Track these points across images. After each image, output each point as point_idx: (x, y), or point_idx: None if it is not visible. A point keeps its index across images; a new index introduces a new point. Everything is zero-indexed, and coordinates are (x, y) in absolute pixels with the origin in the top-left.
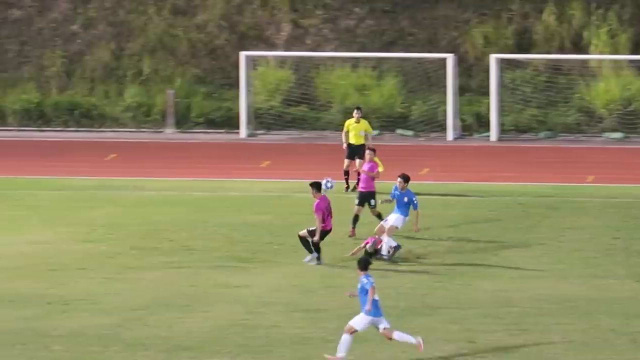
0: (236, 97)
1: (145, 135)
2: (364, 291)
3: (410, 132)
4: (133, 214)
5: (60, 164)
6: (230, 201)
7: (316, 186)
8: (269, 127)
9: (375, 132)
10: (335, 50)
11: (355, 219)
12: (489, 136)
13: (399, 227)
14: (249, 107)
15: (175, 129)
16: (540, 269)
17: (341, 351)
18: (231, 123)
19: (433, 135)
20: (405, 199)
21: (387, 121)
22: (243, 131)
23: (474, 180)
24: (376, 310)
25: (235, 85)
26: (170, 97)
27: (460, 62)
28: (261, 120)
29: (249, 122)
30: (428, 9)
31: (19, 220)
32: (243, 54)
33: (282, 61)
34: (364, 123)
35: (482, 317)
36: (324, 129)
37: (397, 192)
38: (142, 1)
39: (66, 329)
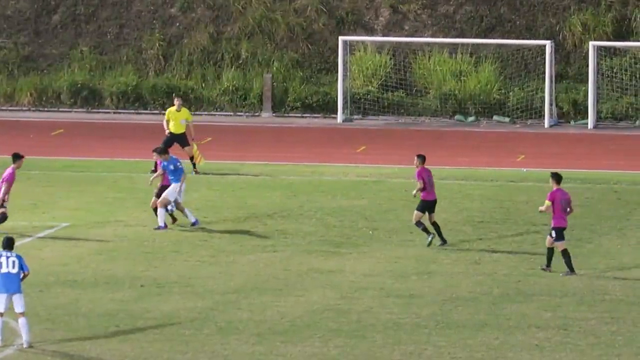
0: (333, 82)
1: (241, 119)
2: None
3: (506, 119)
4: (228, 197)
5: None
6: (325, 186)
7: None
8: (365, 112)
9: (472, 118)
10: (433, 36)
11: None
12: (585, 124)
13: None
14: (345, 92)
15: (271, 113)
16: (635, 257)
17: None
18: (328, 108)
19: (529, 122)
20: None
21: (484, 107)
22: (340, 116)
23: (569, 167)
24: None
25: (333, 70)
26: (267, 81)
27: (558, 49)
28: (358, 105)
29: (345, 107)
30: None
31: (114, 202)
32: (341, 39)
33: (379, 46)
34: (185, 112)
35: (575, 304)
36: (420, 115)
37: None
38: None
39: (160, 312)
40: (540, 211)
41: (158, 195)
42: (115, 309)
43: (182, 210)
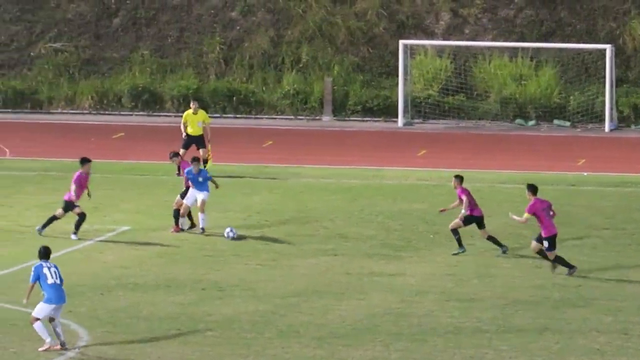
0: (394, 86)
1: (302, 123)
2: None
3: (567, 123)
4: (289, 200)
5: (216, 150)
6: (386, 189)
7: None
8: (426, 116)
9: (532, 122)
10: (494, 39)
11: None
12: None
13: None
14: (406, 95)
15: (332, 117)
16: None
17: (45, 337)
18: (388, 111)
19: (590, 126)
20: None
21: (544, 111)
22: (400, 120)
23: (629, 171)
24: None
25: (393, 73)
26: (328, 85)
27: (619, 53)
28: (418, 109)
29: (406, 111)
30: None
31: None
32: (402, 43)
33: (440, 50)
34: (202, 114)
35: (636, 309)
36: (480, 119)
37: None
38: None
39: (221, 315)
40: (519, 221)
41: (182, 197)
42: (176, 312)
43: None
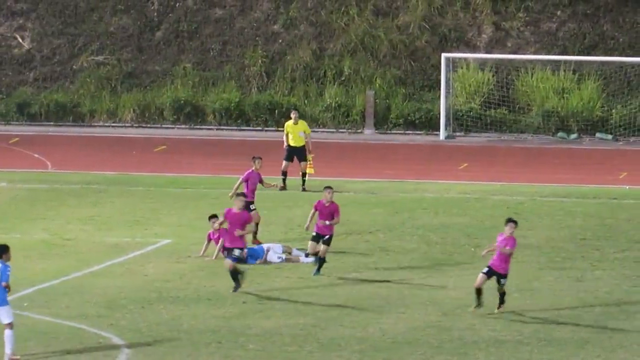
0: (436, 99)
1: (344, 136)
2: None
3: (609, 136)
4: None
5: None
6: (427, 203)
7: None
8: (467, 129)
9: (574, 135)
10: (536, 53)
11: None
12: None
13: None
14: (448, 109)
15: (374, 130)
16: None
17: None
18: (430, 124)
19: (632, 139)
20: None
21: (586, 125)
22: (442, 133)
23: None
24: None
25: (435, 86)
26: (370, 98)
27: None
28: (460, 122)
29: (447, 124)
30: (630, 12)
31: None
32: (444, 56)
33: (482, 63)
34: (303, 124)
35: None
36: (522, 132)
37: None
38: (344, 2)
39: (261, 328)
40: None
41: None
42: (218, 325)
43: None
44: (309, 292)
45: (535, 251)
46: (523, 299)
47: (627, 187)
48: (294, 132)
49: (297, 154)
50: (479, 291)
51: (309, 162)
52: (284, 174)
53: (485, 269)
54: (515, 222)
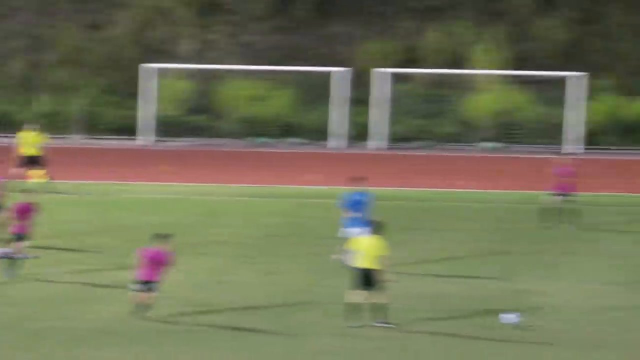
0: (141, 106)
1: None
2: None
3: (300, 140)
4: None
5: None
6: (130, 203)
7: None
8: (170, 134)
9: (268, 139)
10: (235, 63)
11: None
12: (373, 144)
13: None
14: (153, 115)
15: (83, 135)
16: (409, 268)
17: None
18: (135, 131)
19: (321, 143)
20: None
21: (279, 130)
22: (145, 138)
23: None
24: None
25: (140, 95)
26: (78, 106)
27: (351, 75)
28: (164, 127)
29: (151, 130)
30: (323, 25)
31: None
32: (146, 66)
33: (186, 73)
34: (35, 134)
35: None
36: (222, 137)
37: None
38: (56, 15)
39: None
40: None
41: None
42: None
43: None
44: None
45: (229, 247)
46: (216, 291)
47: (316, 187)
48: (30, 141)
49: (33, 162)
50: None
51: (40, 171)
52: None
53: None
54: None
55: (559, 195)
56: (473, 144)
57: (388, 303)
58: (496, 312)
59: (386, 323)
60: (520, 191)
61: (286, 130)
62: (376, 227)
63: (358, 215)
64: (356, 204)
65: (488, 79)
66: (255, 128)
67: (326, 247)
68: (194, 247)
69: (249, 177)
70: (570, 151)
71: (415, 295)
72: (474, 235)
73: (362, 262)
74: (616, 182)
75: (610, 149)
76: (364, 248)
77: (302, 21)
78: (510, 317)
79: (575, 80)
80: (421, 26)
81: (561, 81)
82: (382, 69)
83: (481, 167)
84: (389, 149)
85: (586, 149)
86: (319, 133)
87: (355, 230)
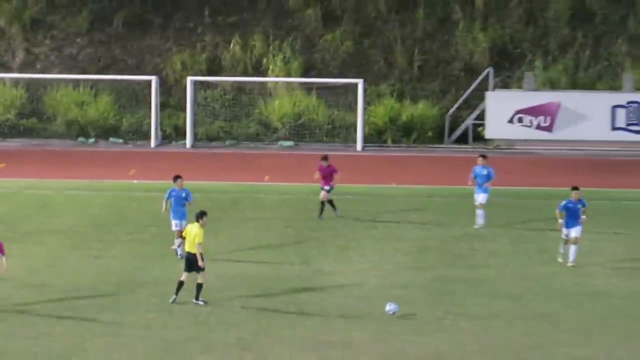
0: None
1: None
2: None
3: (120, 140)
4: None
5: None
6: None
7: None
8: (5, 136)
9: (92, 140)
10: (60, 72)
11: None
12: (185, 144)
13: None
14: None
15: None
16: (225, 253)
17: None
18: None
19: (139, 142)
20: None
21: (102, 131)
22: None
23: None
24: None
25: None
26: None
27: (163, 83)
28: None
29: None
30: (137, 39)
31: None
32: None
33: (16, 82)
34: None
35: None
36: (49, 137)
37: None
38: None
39: None
40: None
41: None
42: None
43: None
44: None
45: (61, 235)
46: (49, 275)
47: (136, 182)
48: None
49: None
50: None
51: None
52: None
53: None
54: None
55: (325, 188)
56: (271, 143)
57: (203, 283)
58: (297, 290)
59: (202, 301)
60: (314, 184)
61: (108, 131)
62: (197, 217)
63: (182, 208)
64: (178, 199)
65: (283, 86)
66: (80, 129)
67: (148, 235)
68: (29, 236)
69: (77, 173)
70: (358, 149)
71: (230, 277)
72: (277, 224)
73: (187, 247)
74: (395, 175)
75: (388, 147)
76: (187, 235)
77: (119, 35)
78: (391, 308)
79: (358, 86)
80: (224, 39)
81: (346, 87)
82: (191, 77)
83: (279, 163)
84: (199, 147)
85: (368, 146)
86: (138, 133)
87: (178, 221)
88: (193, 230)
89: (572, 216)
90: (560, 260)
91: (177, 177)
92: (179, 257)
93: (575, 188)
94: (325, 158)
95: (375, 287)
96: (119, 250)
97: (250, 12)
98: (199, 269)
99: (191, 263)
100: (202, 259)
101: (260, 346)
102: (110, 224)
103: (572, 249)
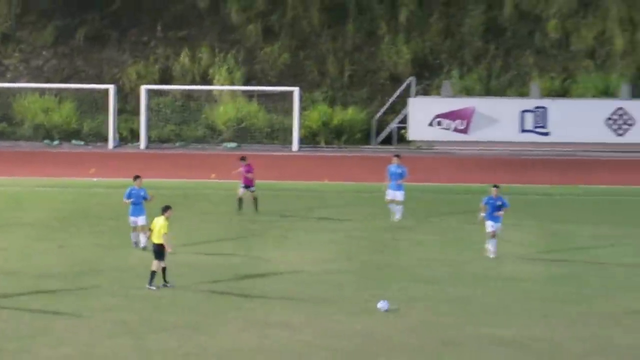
0: None
1: None
2: None
3: (82, 142)
4: None
5: None
6: None
7: None
8: None
9: (56, 142)
10: (28, 82)
11: None
12: (139, 145)
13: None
14: None
15: None
16: (177, 244)
17: None
18: None
19: (99, 144)
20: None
21: (65, 134)
22: None
23: (125, 177)
24: None
25: None
26: None
27: (119, 91)
28: None
29: None
30: (96, 52)
31: None
32: None
33: None
34: None
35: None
36: (18, 140)
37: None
38: None
39: None
40: None
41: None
42: None
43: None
44: None
45: (29, 228)
46: (20, 262)
47: (96, 179)
48: None
49: None
50: None
51: None
52: None
53: None
54: None
55: (246, 187)
56: (217, 144)
57: (167, 269)
58: (241, 276)
59: (168, 284)
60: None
61: (71, 134)
62: (162, 210)
63: (140, 204)
64: (137, 196)
65: (227, 93)
66: (46, 133)
67: (107, 227)
68: (1, 228)
69: (44, 172)
70: (294, 150)
71: (181, 265)
72: (222, 217)
73: (154, 239)
74: (327, 173)
75: (321, 147)
76: (154, 228)
77: (80, 48)
78: (383, 305)
79: (295, 93)
80: (175, 52)
81: (284, 94)
82: (145, 86)
83: (224, 162)
84: (152, 148)
85: (303, 147)
86: (98, 136)
87: (137, 217)
88: (159, 223)
89: (492, 211)
90: (487, 254)
91: (136, 177)
92: (134, 246)
93: (495, 186)
94: (243, 159)
95: (310, 273)
96: (82, 241)
97: (198, 28)
98: (164, 257)
99: (158, 252)
100: (167, 247)
101: (208, 326)
102: (74, 217)
103: (492, 241)
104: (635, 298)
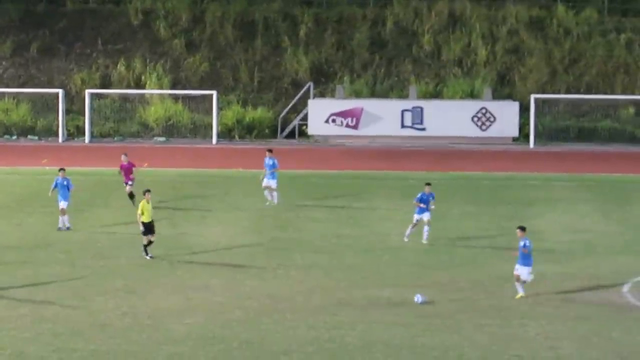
0: None
1: None
2: None
3: (36, 137)
4: None
5: None
6: None
7: None
8: None
9: (14, 137)
10: None
11: None
12: (84, 140)
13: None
14: None
15: None
16: (115, 222)
17: None
18: None
19: (50, 139)
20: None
21: (22, 130)
22: None
23: (73, 166)
24: None
25: None
26: None
27: (67, 94)
28: None
29: None
30: (47, 62)
31: None
32: None
33: None
34: None
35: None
36: None
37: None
38: None
39: None
40: None
41: None
42: None
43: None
44: None
45: None
46: None
47: (48, 168)
48: None
49: None
50: None
51: None
52: None
53: None
54: None
55: (127, 183)
56: (149, 139)
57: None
58: (169, 247)
59: (150, 256)
60: (181, 169)
61: (27, 130)
62: (144, 193)
63: (66, 192)
64: (62, 185)
65: (157, 96)
66: (5, 129)
67: (56, 208)
68: None
69: (3, 162)
70: (213, 143)
71: (118, 240)
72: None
73: (145, 218)
74: (241, 162)
75: (236, 141)
76: (145, 210)
77: (34, 59)
78: (419, 298)
79: (213, 96)
80: (113, 62)
81: (204, 97)
82: (89, 90)
83: (155, 154)
84: (95, 142)
85: (221, 141)
86: (49, 132)
87: (63, 202)
88: (146, 206)
89: (424, 204)
90: (406, 240)
91: (61, 169)
92: (59, 229)
93: (428, 184)
94: (125, 155)
95: (227, 246)
96: (35, 219)
97: (132, 42)
98: (153, 232)
99: (149, 228)
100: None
101: (141, 290)
102: (29, 199)
103: (425, 229)
104: (495, 265)
